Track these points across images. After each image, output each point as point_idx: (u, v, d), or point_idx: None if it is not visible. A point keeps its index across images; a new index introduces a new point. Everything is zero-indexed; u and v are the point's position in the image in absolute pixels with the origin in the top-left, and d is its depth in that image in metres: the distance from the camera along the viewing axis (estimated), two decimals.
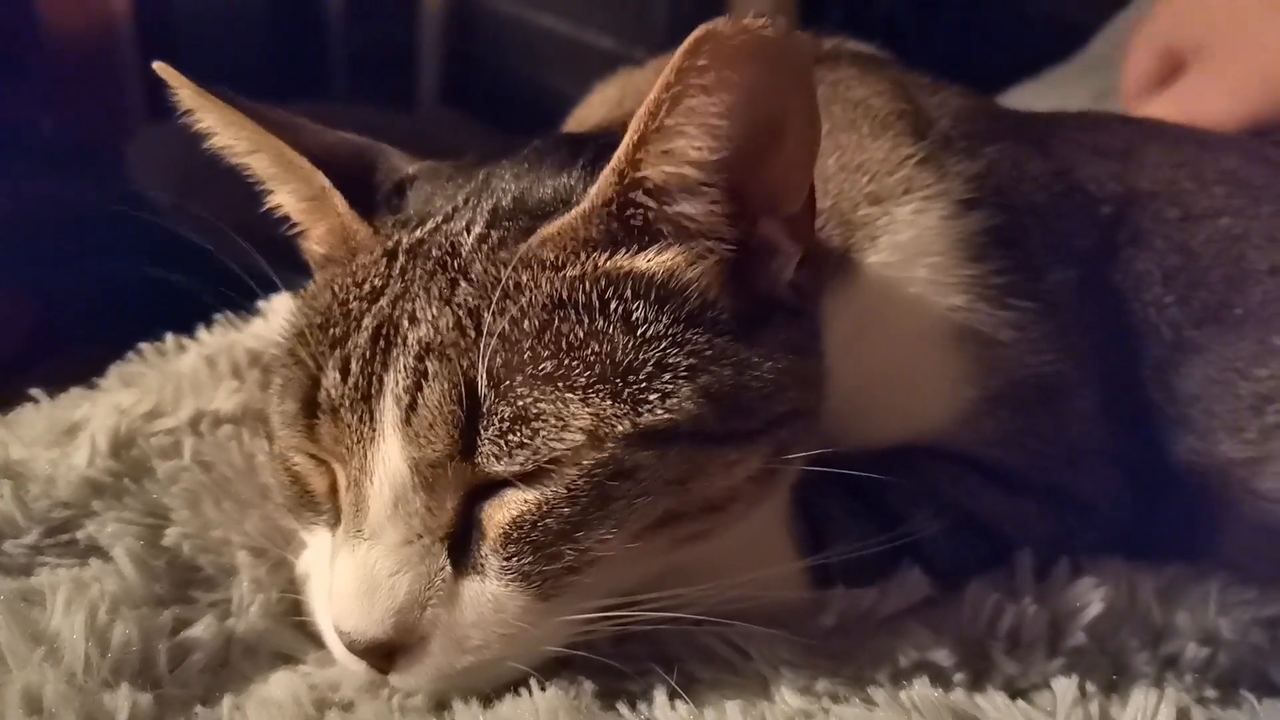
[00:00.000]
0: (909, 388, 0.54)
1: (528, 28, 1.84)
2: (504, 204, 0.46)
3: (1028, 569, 0.51)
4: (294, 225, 0.51)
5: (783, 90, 0.41)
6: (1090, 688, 0.45)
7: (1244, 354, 0.57)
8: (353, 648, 0.42)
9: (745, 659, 0.45)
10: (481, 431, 0.40)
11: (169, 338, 0.63)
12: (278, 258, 0.52)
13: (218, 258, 0.52)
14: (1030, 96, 0.94)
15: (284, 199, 0.50)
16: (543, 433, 0.40)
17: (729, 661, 0.45)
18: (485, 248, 0.44)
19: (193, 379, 0.58)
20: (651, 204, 0.43)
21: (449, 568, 0.42)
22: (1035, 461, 0.55)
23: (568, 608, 0.42)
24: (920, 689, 0.42)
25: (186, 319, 0.64)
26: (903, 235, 0.53)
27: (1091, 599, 0.50)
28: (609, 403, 0.41)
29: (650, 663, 0.45)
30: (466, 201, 0.47)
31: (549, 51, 1.80)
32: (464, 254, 0.44)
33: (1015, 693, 0.45)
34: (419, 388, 0.41)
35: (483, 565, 0.42)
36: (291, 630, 0.48)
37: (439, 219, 0.46)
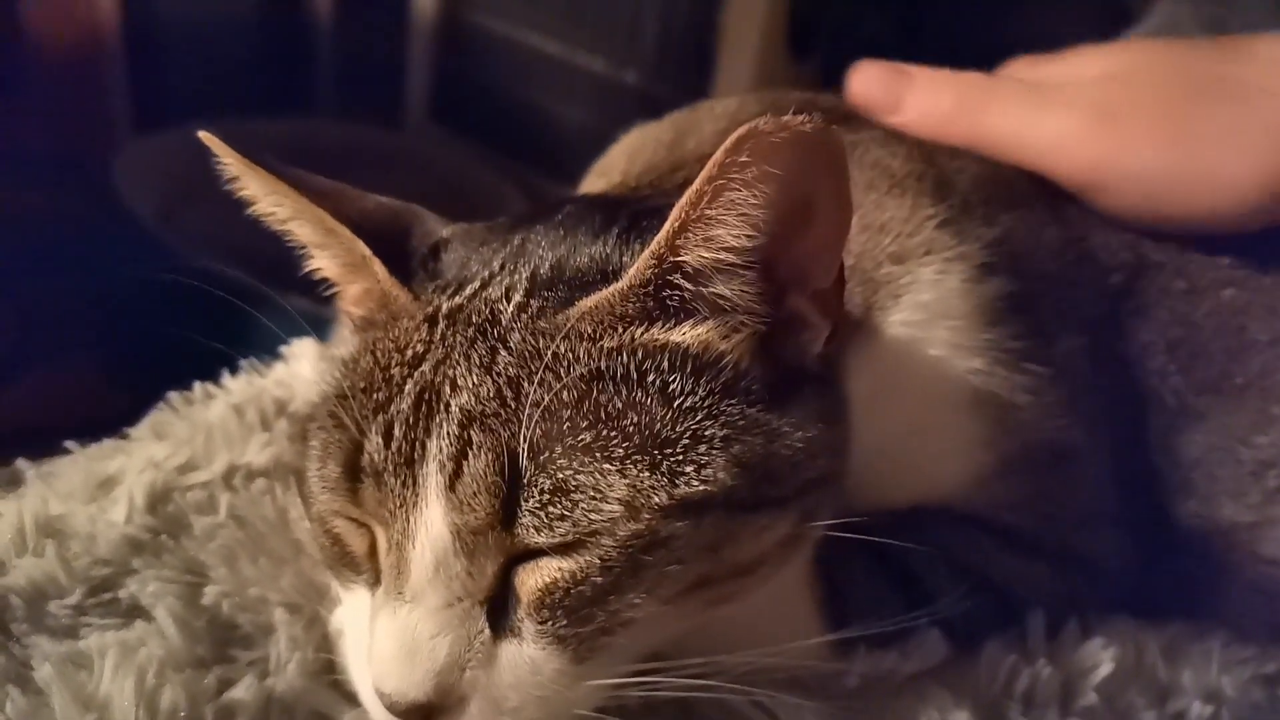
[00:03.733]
0: (927, 449, 0.55)
1: (518, 47, 1.84)
2: (541, 272, 0.47)
3: (1040, 630, 0.53)
4: (333, 286, 0.52)
5: (818, 177, 0.43)
6: None
7: (1245, 422, 0.59)
8: (393, 709, 0.43)
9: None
10: (523, 503, 0.42)
11: (196, 386, 0.63)
12: (265, 271, 0.53)
13: (214, 275, 0.53)
14: None
15: (324, 263, 0.51)
16: (581, 505, 0.41)
17: None
18: (525, 317, 0.45)
19: (223, 430, 0.59)
20: (688, 286, 0.44)
21: (487, 630, 0.43)
22: (1047, 524, 0.56)
23: (601, 670, 0.43)
24: None
25: (187, 336, 0.64)
26: (926, 295, 0.55)
27: (1101, 659, 0.52)
28: (647, 474, 0.42)
29: None
30: (503, 267, 0.48)
31: (539, 71, 1.80)
32: (504, 322, 0.45)
33: None
34: (463, 455, 0.42)
35: (519, 629, 0.43)
36: (328, 689, 0.48)
37: (476, 285, 0.47)
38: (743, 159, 0.41)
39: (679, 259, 0.44)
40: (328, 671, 0.49)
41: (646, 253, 0.44)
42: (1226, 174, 0.59)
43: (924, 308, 0.55)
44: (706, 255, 0.43)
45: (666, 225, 0.43)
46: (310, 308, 0.56)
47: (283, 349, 0.66)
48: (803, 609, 0.51)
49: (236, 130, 0.50)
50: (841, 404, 0.49)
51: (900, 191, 0.58)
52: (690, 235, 0.43)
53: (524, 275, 0.47)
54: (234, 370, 0.65)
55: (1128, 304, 0.62)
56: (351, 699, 0.47)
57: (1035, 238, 0.61)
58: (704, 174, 0.41)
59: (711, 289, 0.45)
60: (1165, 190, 0.61)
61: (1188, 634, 0.55)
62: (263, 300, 0.56)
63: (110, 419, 0.62)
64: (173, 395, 0.62)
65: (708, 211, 0.42)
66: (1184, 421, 0.60)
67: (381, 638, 0.43)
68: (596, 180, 0.67)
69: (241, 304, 0.55)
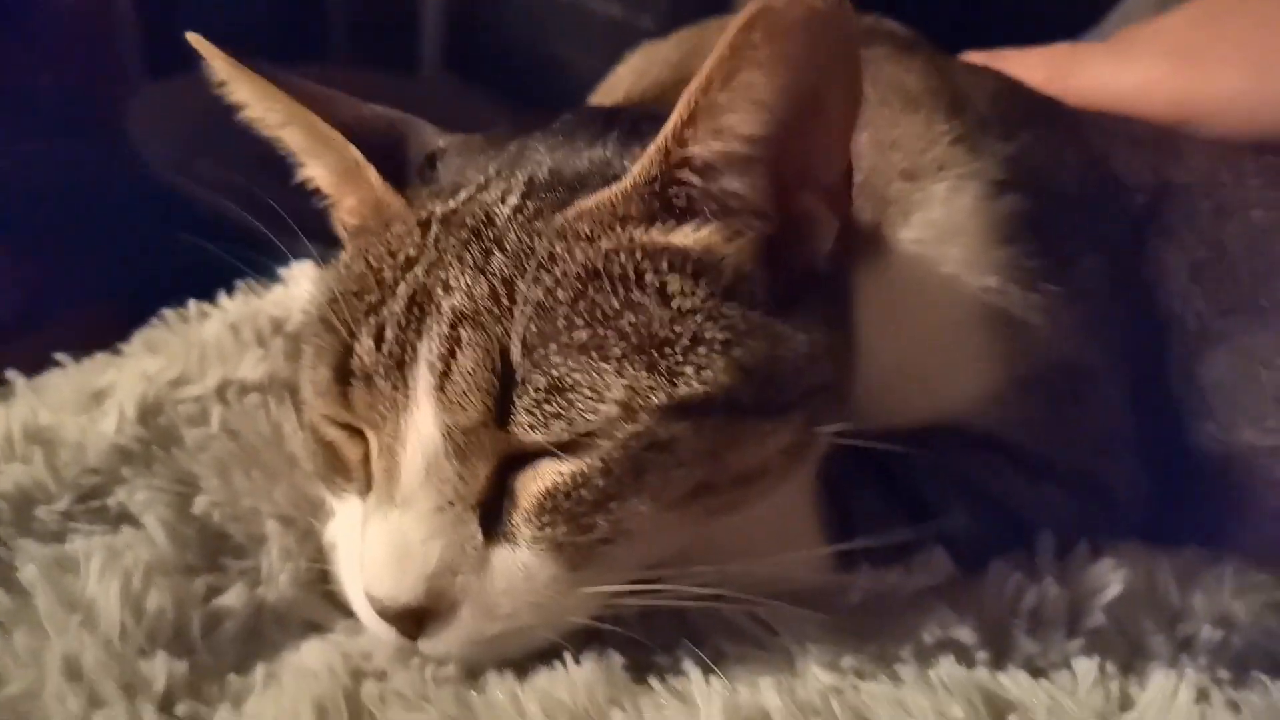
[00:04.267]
0: (938, 366, 0.54)
1: None
2: (540, 176, 0.46)
3: (1049, 550, 0.52)
4: (326, 198, 0.51)
5: (830, 59, 0.41)
6: (1110, 668, 0.46)
7: (1267, 344, 0.58)
8: (383, 614, 0.42)
9: (772, 635, 0.45)
10: (516, 400, 0.41)
11: (191, 304, 0.63)
12: (280, 217, 0.52)
13: (229, 216, 0.52)
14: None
15: (317, 172, 0.50)
16: (578, 403, 0.40)
17: (756, 638, 0.45)
18: (521, 218, 0.44)
19: (217, 346, 0.58)
20: (697, 181, 0.43)
21: (480, 535, 0.42)
22: (1060, 446, 0.55)
23: (598, 578, 0.43)
24: (947, 667, 0.42)
25: (196, 278, 0.63)
26: (936, 212, 0.53)
27: (1110, 580, 0.50)
28: (644, 374, 0.41)
29: (678, 637, 0.45)
30: (499, 173, 0.47)
31: (554, 18, 1.78)
32: (499, 224, 0.44)
33: (1035, 671, 0.46)
34: (453, 355, 0.41)
35: (514, 534, 0.42)
36: (320, 599, 0.48)
37: (472, 189, 0.46)
38: (755, 37, 0.39)
39: (687, 152, 0.42)
40: (321, 582, 0.48)
41: (652, 147, 0.42)
42: None
43: (935, 225, 0.54)
44: (717, 146, 0.42)
45: (674, 116, 0.41)
46: (323, 252, 0.56)
47: (281, 271, 0.65)
48: (806, 523, 0.50)
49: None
50: (847, 310, 0.48)
51: (914, 108, 0.57)
52: (700, 125, 0.41)
53: (521, 179, 0.46)
54: (231, 292, 0.64)
55: (1151, 225, 0.60)
56: (345, 610, 0.47)
57: (1054, 156, 0.59)
58: (714, 57, 0.40)
59: (720, 184, 0.43)
60: (1249, 114, 0.64)
61: (1201, 559, 0.54)
62: (274, 247, 0.55)
63: None
64: (167, 312, 0.62)
65: (719, 98, 0.41)
66: (1205, 344, 0.58)
67: (372, 543, 0.42)
68: (602, 99, 0.66)
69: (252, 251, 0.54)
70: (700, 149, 0.42)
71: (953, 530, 0.51)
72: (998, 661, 0.46)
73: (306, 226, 0.52)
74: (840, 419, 0.47)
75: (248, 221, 0.53)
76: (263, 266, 0.64)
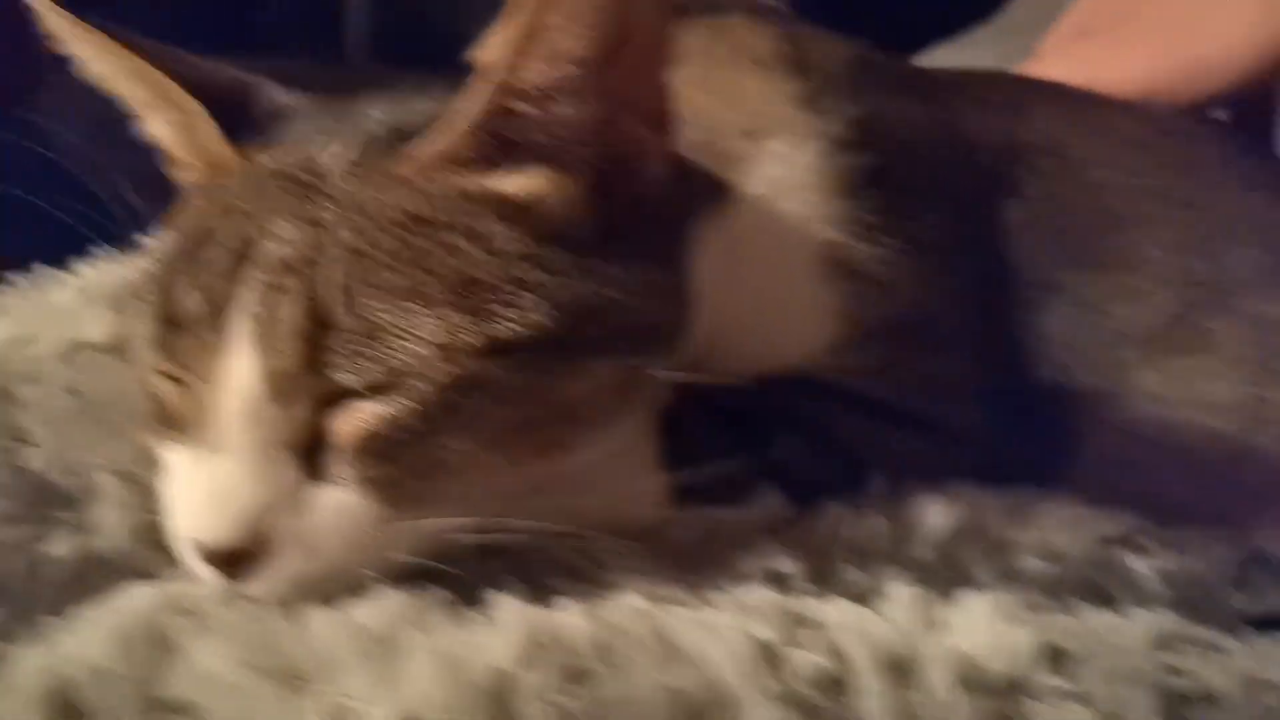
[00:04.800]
0: (781, 317, 0.55)
1: None
2: (374, 129, 0.47)
3: (881, 489, 0.53)
4: (166, 155, 0.52)
5: None
6: (929, 595, 0.47)
7: (1104, 294, 0.61)
8: (206, 557, 0.43)
9: (599, 569, 0.46)
10: (331, 344, 0.41)
11: (44, 269, 0.62)
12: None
13: (97, 190, 0.52)
14: (945, 58, 0.96)
15: (157, 127, 0.51)
16: (394, 346, 0.41)
17: (583, 572, 0.46)
18: (351, 170, 0.45)
19: (66, 310, 0.58)
20: (532, 111, 0.43)
21: (299, 477, 0.43)
22: (900, 393, 0.57)
23: (420, 516, 0.43)
24: (760, 592, 0.44)
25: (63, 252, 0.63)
26: (776, 170, 0.55)
27: (937, 515, 0.52)
28: (461, 316, 0.42)
29: (505, 575, 0.46)
30: (336, 129, 0.48)
31: (479, 6, 1.77)
32: (327, 176, 0.45)
33: (856, 599, 0.48)
34: (272, 302, 0.42)
35: (334, 474, 0.43)
36: (152, 550, 0.48)
37: (306, 145, 0.47)
38: None
39: (520, 81, 0.43)
40: (154, 534, 0.48)
41: (483, 82, 0.43)
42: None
43: (776, 181, 0.55)
44: (550, 71, 0.42)
45: (504, 46, 0.42)
46: None
47: (140, 238, 0.65)
48: (645, 464, 0.51)
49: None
50: (677, 250, 0.49)
51: (760, 69, 0.59)
52: (530, 51, 0.42)
53: (354, 133, 0.47)
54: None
55: (998, 183, 0.63)
56: (176, 561, 0.47)
57: (903, 117, 0.61)
58: None
59: (554, 112, 0.44)
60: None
61: (1032, 498, 0.56)
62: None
63: None
64: (15, 277, 0.61)
65: (548, 19, 0.42)
66: (1046, 295, 0.61)
67: (191, 485, 0.43)
68: None
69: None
70: (534, 75, 0.43)
71: (790, 474, 0.53)
72: (819, 592, 0.47)
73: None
74: (675, 362, 0.48)
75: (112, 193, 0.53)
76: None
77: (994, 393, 0.59)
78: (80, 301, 0.59)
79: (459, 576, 0.45)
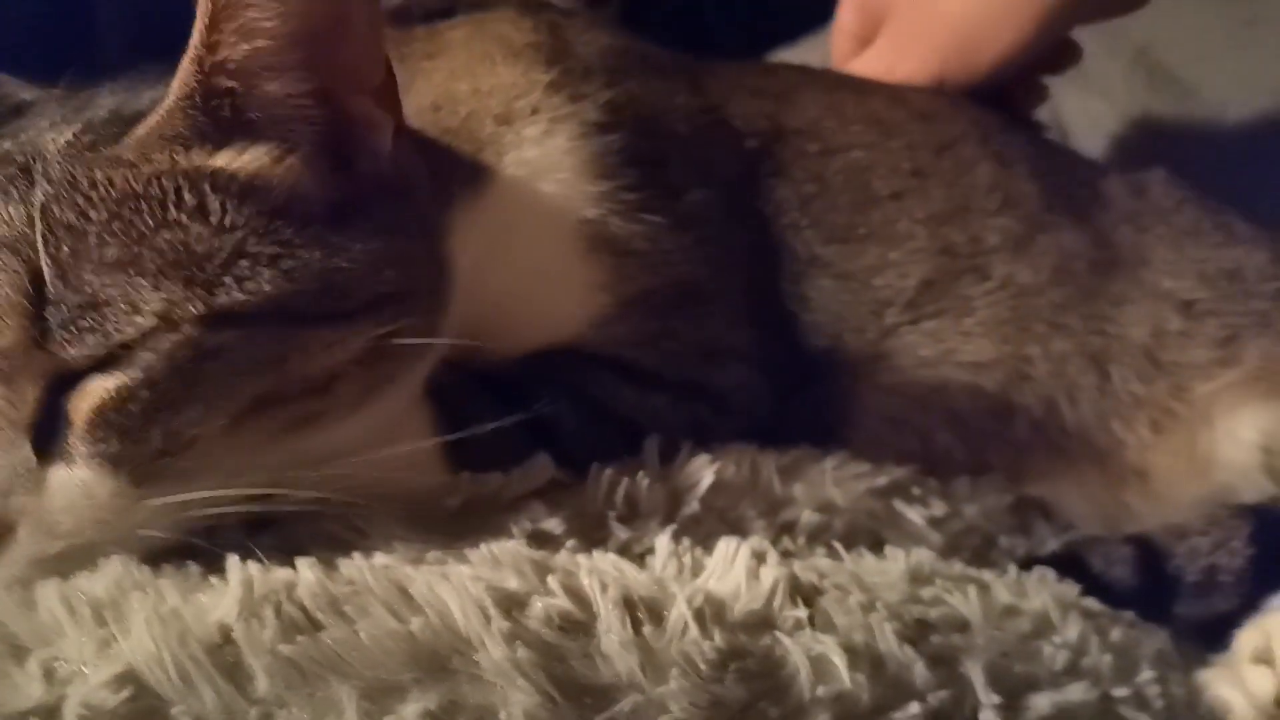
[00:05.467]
0: (545, 293, 0.57)
1: None
2: (99, 115, 0.47)
3: (654, 452, 0.55)
4: None
5: None
6: (690, 544, 0.49)
7: (866, 266, 0.65)
8: None
9: (363, 538, 0.47)
10: (50, 319, 0.41)
11: None
12: None
13: None
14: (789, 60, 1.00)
15: None
16: (113, 318, 0.42)
17: (347, 542, 0.46)
18: (70, 153, 0.45)
19: None
20: (237, 86, 0.44)
21: (34, 457, 0.42)
22: (669, 360, 0.59)
23: (168, 490, 0.43)
24: (513, 546, 0.45)
25: None
26: (529, 153, 0.57)
27: (707, 473, 0.54)
28: (181, 287, 0.42)
29: (274, 552, 0.46)
30: (64, 117, 0.48)
31: None
32: (47, 157, 0.45)
33: (626, 554, 0.49)
34: None
35: (70, 452, 0.42)
36: None
37: (32, 132, 0.47)
38: None
39: (218, 57, 0.44)
40: None
41: (185, 60, 0.44)
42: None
43: (529, 163, 0.57)
44: (246, 46, 0.43)
45: (197, 24, 0.43)
46: None
47: None
48: (414, 433, 0.52)
49: None
50: (416, 219, 0.50)
51: (514, 59, 0.61)
52: (224, 27, 0.43)
53: (80, 119, 0.47)
54: None
55: (764, 165, 0.66)
56: None
57: (665, 102, 0.64)
58: None
59: (262, 88, 0.45)
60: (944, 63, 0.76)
61: (807, 456, 0.58)
62: None
63: None
64: None
65: None
66: (814, 269, 0.64)
67: None
68: None
69: None
70: (230, 51, 0.43)
71: (565, 443, 0.54)
72: (587, 550, 0.49)
73: None
74: (433, 334, 0.49)
75: None
76: None
77: (767, 359, 0.62)
78: None
79: (217, 552, 0.45)
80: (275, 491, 0.44)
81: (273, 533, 0.46)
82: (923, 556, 0.52)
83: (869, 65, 0.80)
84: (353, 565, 0.41)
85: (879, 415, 0.63)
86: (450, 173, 0.54)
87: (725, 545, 0.47)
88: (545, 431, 0.54)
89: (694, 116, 0.65)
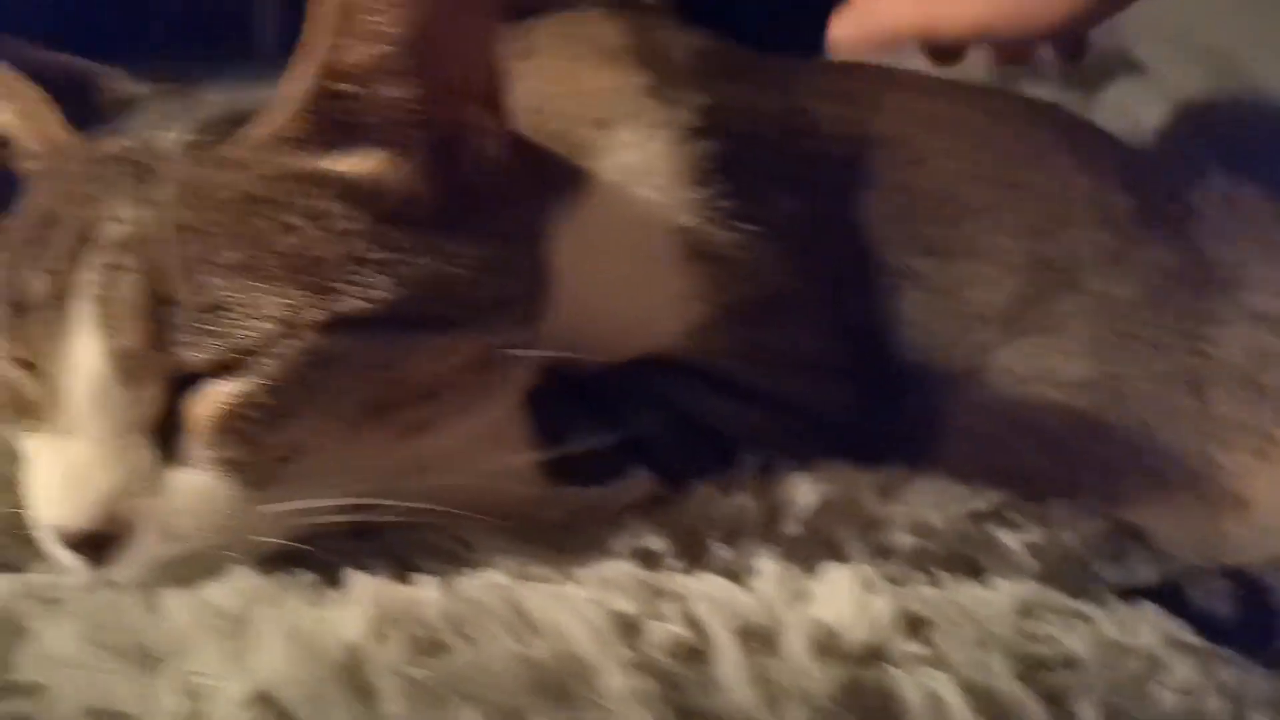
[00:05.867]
0: (640, 301, 0.57)
1: None
2: (215, 114, 0.47)
3: (751, 469, 0.55)
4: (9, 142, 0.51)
5: None
6: (796, 569, 0.48)
7: (957, 280, 0.63)
8: (66, 541, 0.43)
9: (468, 550, 0.47)
10: (174, 322, 0.42)
11: None
12: None
13: None
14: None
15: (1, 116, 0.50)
16: (235, 322, 0.42)
17: (452, 553, 0.47)
18: (190, 153, 0.45)
19: None
20: (357, 90, 0.44)
21: (155, 458, 0.43)
22: (764, 373, 0.58)
23: (284, 497, 0.44)
24: (621, 565, 0.45)
25: None
26: (628, 158, 0.57)
27: (808, 492, 0.53)
28: (299, 292, 0.42)
29: (374, 558, 0.46)
30: (178, 114, 0.48)
31: None
32: (167, 158, 0.45)
33: (725, 575, 0.49)
34: (113, 282, 0.42)
35: (189, 455, 0.43)
36: (17, 542, 0.47)
37: (148, 130, 0.48)
38: None
39: (338, 61, 0.44)
40: (16, 526, 0.47)
41: (305, 63, 0.44)
42: None
43: (628, 169, 0.57)
44: (367, 51, 0.43)
45: (317, 27, 0.43)
46: None
47: None
48: (512, 445, 0.52)
49: None
50: (523, 225, 0.50)
51: (609, 61, 0.61)
52: (345, 31, 0.43)
53: (195, 118, 0.47)
54: None
55: (853, 173, 0.65)
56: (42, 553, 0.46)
57: (755, 106, 0.63)
58: None
59: (380, 92, 0.44)
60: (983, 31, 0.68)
61: (903, 475, 0.58)
62: None
63: None
64: None
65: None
66: (905, 281, 0.63)
67: (46, 470, 0.43)
68: None
69: None
70: (350, 55, 0.43)
71: (660, 455, 0.54)
72: (689, 569, 0.48)
73: None
74: (533, 342, 0.49)
75: None
76: None
77: (858, 373, 0.61)
78: None
79: (326, 560, 0.45)
80: (382, 502, 0.44)
81: (375, 541, 0.47)
82: (1028, 588, 0.52)
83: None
84: (471, 584, 0.41)
85: (970, 434, 0.62)
86: (549, 177, 0.54)
87: (833, 571, 0.47)
88: (638, 442, 0.54)
89: (783, 121, 0.64)
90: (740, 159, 0.59)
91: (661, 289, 0.57)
